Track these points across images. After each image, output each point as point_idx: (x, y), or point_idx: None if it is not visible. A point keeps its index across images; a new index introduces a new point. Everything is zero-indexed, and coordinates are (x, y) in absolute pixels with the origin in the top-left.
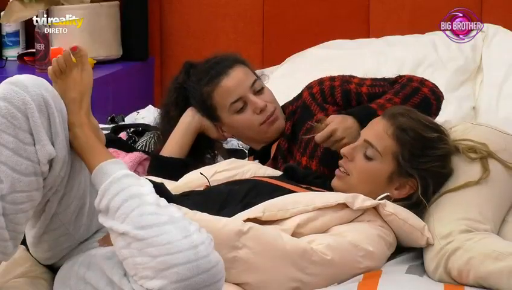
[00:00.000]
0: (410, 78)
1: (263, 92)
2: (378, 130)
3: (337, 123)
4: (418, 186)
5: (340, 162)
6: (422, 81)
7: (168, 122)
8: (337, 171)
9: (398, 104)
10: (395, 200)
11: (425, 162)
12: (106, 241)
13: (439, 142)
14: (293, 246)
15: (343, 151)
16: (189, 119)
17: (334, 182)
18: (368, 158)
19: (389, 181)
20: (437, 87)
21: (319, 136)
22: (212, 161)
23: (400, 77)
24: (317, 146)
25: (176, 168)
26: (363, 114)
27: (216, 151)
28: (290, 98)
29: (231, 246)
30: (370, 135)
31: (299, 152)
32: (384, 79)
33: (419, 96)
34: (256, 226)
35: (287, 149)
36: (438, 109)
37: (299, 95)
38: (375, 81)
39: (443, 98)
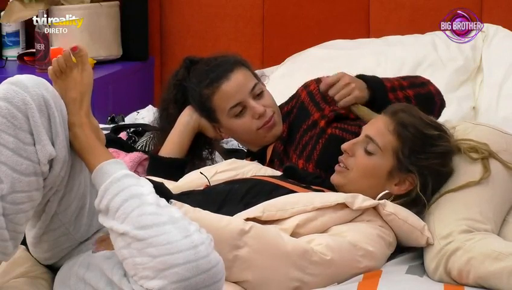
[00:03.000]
0: (417, 76)
1: (263, 96)
2: (379, 126)
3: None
4: (417, 182)
5: (340, 157)
6: (430, 81)
7: (167, 119)
8: (336, 167)
9: (406, 87)
10: (394, 197)
11: (424, 159)
12: (102, 245)
13: (439, 139)
14: (293, 246)
15: (343, 146)
16: (187, 119)
17: (334, 178)
18: (369, 153)
19: (389, 177)
20: (441, 94)
21: (325, 81)
22: (210, 158)
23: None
24: (314, 149)
25: (173, 168)
26: (373, 80)
27: (214, 149)
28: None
29: (233, 245)
30: (371, 130)
31: (296, 154)
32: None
33: (425, 89)
34: (257, 225)
35: (283, 151)
36: (440, 110)
37: (295, 95)
38: None
39: (445, 106)
